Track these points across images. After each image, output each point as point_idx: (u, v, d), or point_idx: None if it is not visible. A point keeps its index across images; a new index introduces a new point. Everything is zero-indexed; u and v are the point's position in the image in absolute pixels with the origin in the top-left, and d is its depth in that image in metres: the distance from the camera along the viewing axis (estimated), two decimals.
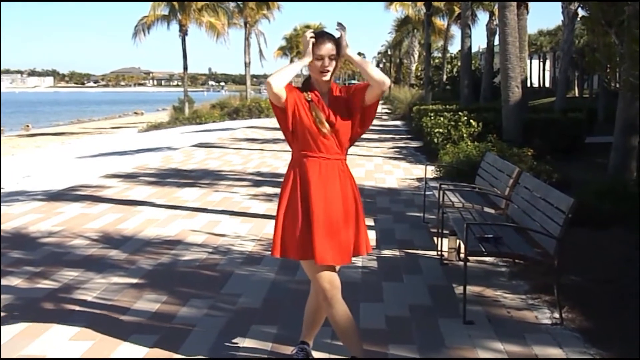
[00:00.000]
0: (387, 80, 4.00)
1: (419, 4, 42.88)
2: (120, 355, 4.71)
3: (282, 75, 4.03)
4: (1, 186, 12.64)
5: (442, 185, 7.99)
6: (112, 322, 5.35)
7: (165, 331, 5.16)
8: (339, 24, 4.13)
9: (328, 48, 4.06)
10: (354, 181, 4.26)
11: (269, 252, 7.46)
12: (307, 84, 4.22)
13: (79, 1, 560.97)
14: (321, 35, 4.11)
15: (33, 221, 9.25)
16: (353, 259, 4.25)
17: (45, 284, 6.39)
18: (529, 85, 61.34)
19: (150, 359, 4.68)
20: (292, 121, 4.13)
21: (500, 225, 6.52)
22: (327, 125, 4.09)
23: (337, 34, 4.14)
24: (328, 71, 4.10)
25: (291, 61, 79.60)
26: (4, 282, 6.41)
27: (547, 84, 60.86)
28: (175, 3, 39.11)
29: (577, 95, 48.50)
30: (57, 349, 4.82)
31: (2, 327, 5.22)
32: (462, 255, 6.37)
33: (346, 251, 4.14)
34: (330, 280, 4.13)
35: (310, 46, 4.05)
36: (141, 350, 4.79)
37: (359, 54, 4.28)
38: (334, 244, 4.07)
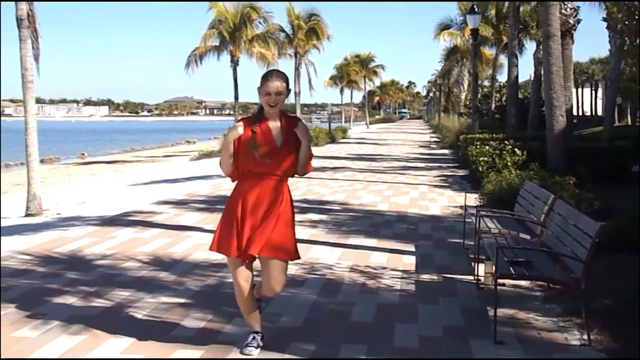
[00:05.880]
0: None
1: (467, 33, 43.01)
2: None
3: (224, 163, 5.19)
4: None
5: (480, 212, 8.21)
6: (161, 337, 5.69)
7: (211, 346, 5.49)
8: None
9: (275, 85, 4.66)
10: (284, 196, 5.06)
11: (311, 276, 7.81)
12: (260, 115, 4.87)
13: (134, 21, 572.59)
14: (270, 74, 4.75)
15: (88, 244, 9.71)
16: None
17: (99, 302, 6.78)
18: (580, 114, 60.94)
19: None
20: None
21: (532, 250, 6.72)
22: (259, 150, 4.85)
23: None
24: (275, 105, 4.72)
25: (341, 91, 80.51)
26: (61, 300, 6.83)
27: (599, 112, 60.25)
28: (226, 34, 39.85)
29: (629, 123, 47.96)
30: None
31: (57, 341, 5.61)
32: None
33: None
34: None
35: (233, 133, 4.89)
36: None
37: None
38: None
